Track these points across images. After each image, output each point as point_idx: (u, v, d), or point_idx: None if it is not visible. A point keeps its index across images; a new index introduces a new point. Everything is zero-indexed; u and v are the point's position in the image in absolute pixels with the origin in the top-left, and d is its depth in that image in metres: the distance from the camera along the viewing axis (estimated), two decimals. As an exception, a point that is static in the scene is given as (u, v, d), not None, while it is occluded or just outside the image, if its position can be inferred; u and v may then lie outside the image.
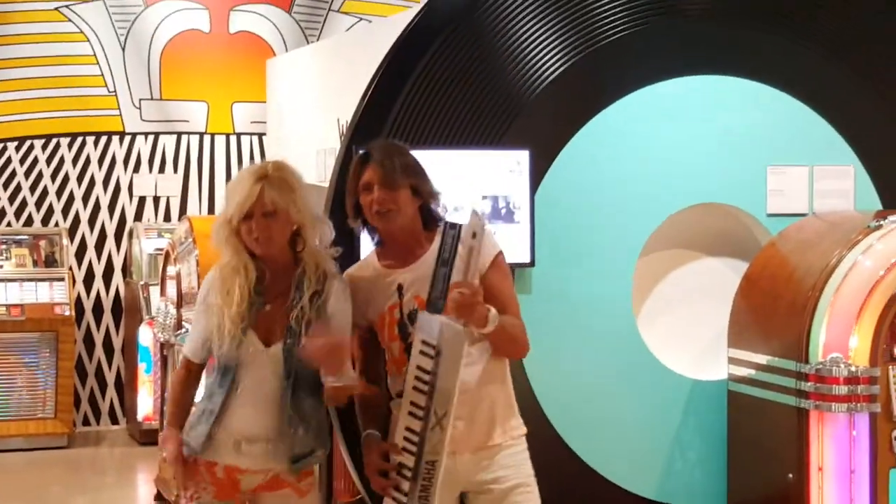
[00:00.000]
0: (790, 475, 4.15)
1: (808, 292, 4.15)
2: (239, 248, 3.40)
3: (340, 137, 6.75)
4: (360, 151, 3.53)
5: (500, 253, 3.46)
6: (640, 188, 4.54)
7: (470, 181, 4.26)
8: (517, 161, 4.32)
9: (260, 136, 9.57)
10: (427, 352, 3.26)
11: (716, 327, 4.63)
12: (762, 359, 4.31)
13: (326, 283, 3.40)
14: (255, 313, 3.37)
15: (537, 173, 4.37)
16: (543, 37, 4.42)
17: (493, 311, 3.26)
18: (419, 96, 4.31)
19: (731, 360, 4.49)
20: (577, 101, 4.47)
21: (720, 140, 4.64)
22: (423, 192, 3.44)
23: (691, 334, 4.73)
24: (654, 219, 4.58)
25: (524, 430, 3.51)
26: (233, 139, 9.68)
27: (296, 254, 3.44)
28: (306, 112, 7.92)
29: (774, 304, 4.32)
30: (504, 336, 3.35)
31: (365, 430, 3.49)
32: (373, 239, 3.55)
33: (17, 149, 9.24)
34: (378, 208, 3.39)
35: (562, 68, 4.43)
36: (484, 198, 4.28)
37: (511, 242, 4.24)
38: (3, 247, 8.94)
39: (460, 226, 3.33)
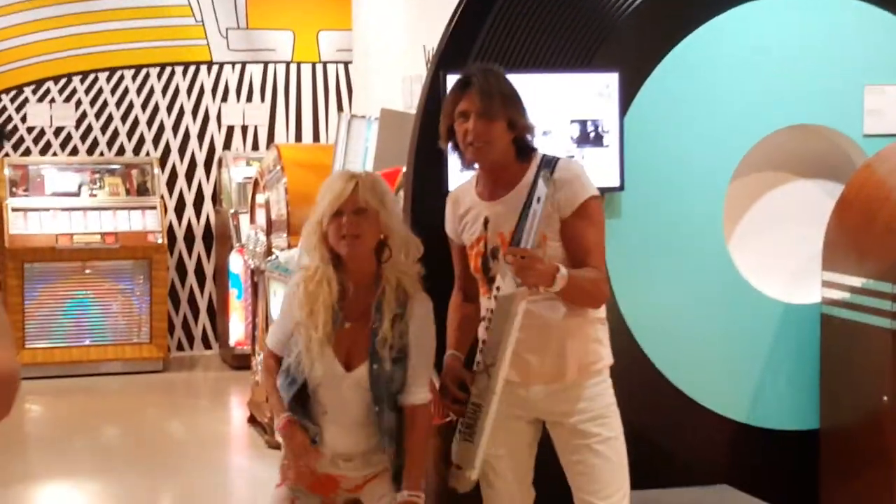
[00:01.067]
0: (885, 398, 4.11)
1: (905, 214, 4.08)
2: (325, 257, 3.40)
3: (426, 64, 6.72)
4: (460, 76, 3.48)
5: (592, 199, 3.37)
6: (733, 110, 4.47)
7: (558, 105, 4.23)
8: (606, 84, 4.27)
9: (346, 64, 9.58)
10: (495, 297, 3.31)
11: (808, 250, 4.58)
12: (857, 281, 4.25)
13: (408, 305, 3.40)
14: (335, 332, 3.38)
15: (627, 96, 4.31)
16: (633, -44, 4.35)
17: (563, 271, 3.22)
18: (506, 19, 4.27)
19: (825, 283, 4.44)
20: (668, 21, 4.40)
21: (816, 59, 4.54)
22: (519, 126, 3.39)
23: (784, 257, 4.68)
24: (747, 141, 4.51)
25: (605, 363, 3.47)
26: (319, 68, 9.70)
27: (380, 266, 3.42)
28: (392, 39, 7.90)
29: (870, 226, 4.25)
30: (574, 293, 3.30)
31: (449, 350, 3.53)
32: (462, 165, 3.54)
33: (108, 79, 9.36)
34: (472, 140, 3.35)
35: (651, -11, 4.36)
36: (572, 122, 4.25)
37: (600, 166, 4.22)
38: (97, 176, 9.09)
39: (555, 162, 3.34)
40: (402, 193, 4.45)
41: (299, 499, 3.48)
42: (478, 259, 3.44)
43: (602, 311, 3.47)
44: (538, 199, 3.23)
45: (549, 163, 3.37)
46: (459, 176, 4.08)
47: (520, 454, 3.50)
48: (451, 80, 4.06)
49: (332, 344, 3.37)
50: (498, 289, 3.29)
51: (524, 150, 3.43)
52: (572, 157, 4.04)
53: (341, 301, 3.39)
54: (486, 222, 3.42)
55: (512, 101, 3.39)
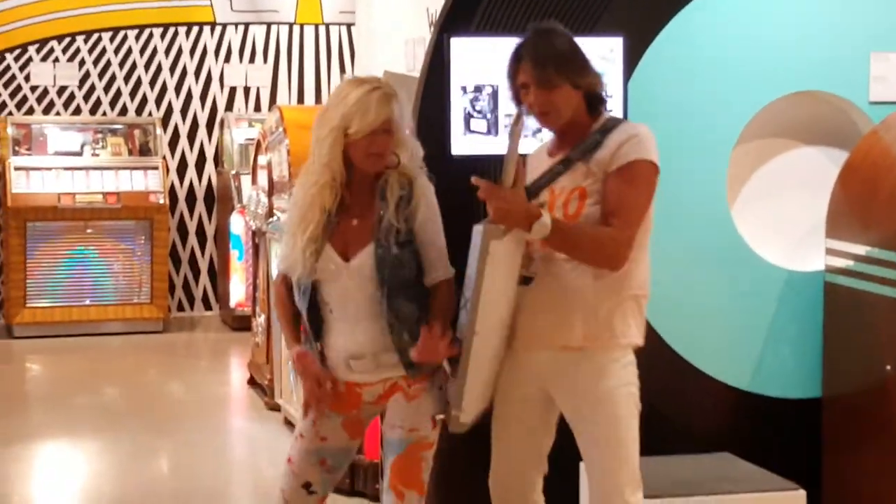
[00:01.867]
0: (888, 367, 4.10)
1: (911, 182, 4.05)
2: (336, 163, 3.33)
3: (430, 27, 6.68)
4: (515, 48, 3.37)
5: (640, 161, 3.22)
6: (737, 76, 4.43)
7: (563, 68, 4.19)
8: (610, 48, 4.22)
9: (349, 26, 9.52)
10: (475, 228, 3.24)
11: (812, 218, 4.55)
12: (861, 249, 4.23)
13: (413, 187, 3.35)
14: (332, 229, 3.34)
15: (631, 61, 4.27)
16: (640, -81, 4.31)
17: (545, 219, 3.11)
18: (511, -18, 4.24)
19: (829, 251, 4.42)
20: (673, -15, 4.36)
21: (821, 25, 4.50)
22: (584, 84, 3.32)
23: (787, 225, 4.66)
24: (752, 107, 4.48)
25: (624, 340, 3.29)
26: (321, 29, 9.65)
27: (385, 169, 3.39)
28: (395, 1, 7.85)
29: (875, 194, 4.23)
30: (563, 245, 3.20)
31: None
32: (536, 129, 3.51)
33: (112, 39, 9.32)
34: (538, 110, 3.31)
35: (658, -49, 4.32)
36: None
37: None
38: (99, 136, 9.07)
39: (615, 124, 3.28)
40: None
41: (321, 421, 3.41)
42: None
43: (639, 288, 3.34)
44: (510, 133, 3.16)
45: (612, 124, 3.30)
46: (463, 139, 4.06)
47: (534, 431, 3.41)
48: (455, 43, 4.05)
49: (329, 239, 3.33)
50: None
51: (594, 106, 3.35)
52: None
53: (340, 205, 3.36)
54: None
55: (568, 62, 3.30)
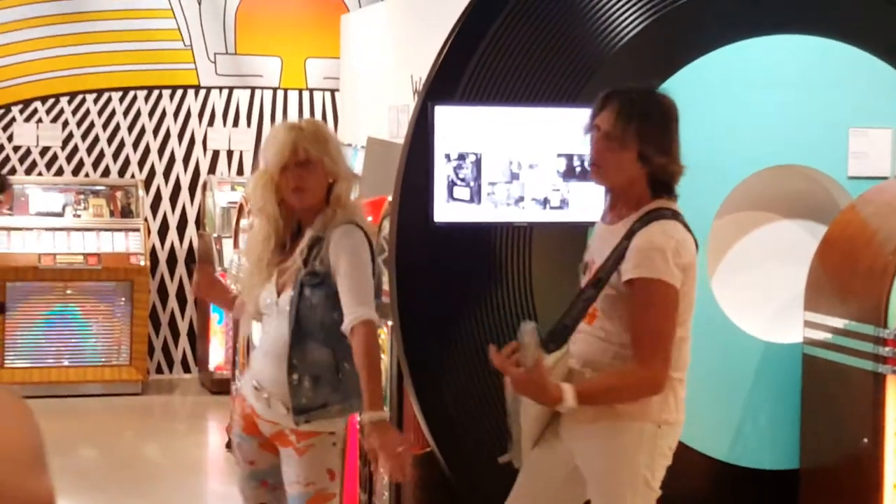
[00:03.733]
0: (865, 440, 4.11)
1: (889, 256, 4.10)
2: (269, 206, 3.37)
3: (414, 93, 6.74)
4: (607, 91, 3.23)
5: (651, 280, 3.02)
6: (718, 148, 4.49)
7: (545, 139, 4.24)
8: (594, 119, 4.27)
9: (333, 91, 9.59)
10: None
11: (791, 290, 4.59)
12: (839, 322, 4.27)
13: (328, 230, 3.35)
14: (277, 267, 3.40)
15: (614, 132, 4.32)
16: (623, -6, 4.37)
17: (567, 402, 2.94)
18: (495, 52, 4.29)
19: (807, 324, 4.45)
20: (654, 59, 4.42)
21: (800, 101, 4.57)
22: (653, 162, 3.11)
23: (766, 296, 4.69)
24: (732, 180, 4.53)
25: (631, 409, 3.10)
26: (306, 95, 9.71)
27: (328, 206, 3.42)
28: (379, 68, 7.92)
29: (853, 268, 4.27)
30: (596, 405, 3.05)
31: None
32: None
33: (96, 101, 9.35)
34: (592, 158, 3.19)
35: (640, 26, 4.39)
36: (559, 155, 4.26)
37: (586, 201, 4.23)
38: (81, 197, 9.07)
39: (645, 221, 3.12)
40: (386, 222, 4.46)
41: (242, 445, 3.50)
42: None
43: (674, 371, 3.17)
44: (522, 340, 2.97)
45: (643, 224, 3.10)
46: (446, 206, 4.10)
47: (554, 484, 3.29)
48: (439, 111, 4.09)
49: (273, 279, 3.39)
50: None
51: (659, 190, 3.16)
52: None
53: (284, 246, 3.41)
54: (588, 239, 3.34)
55: (649, 134, 3.11)
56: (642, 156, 3.10)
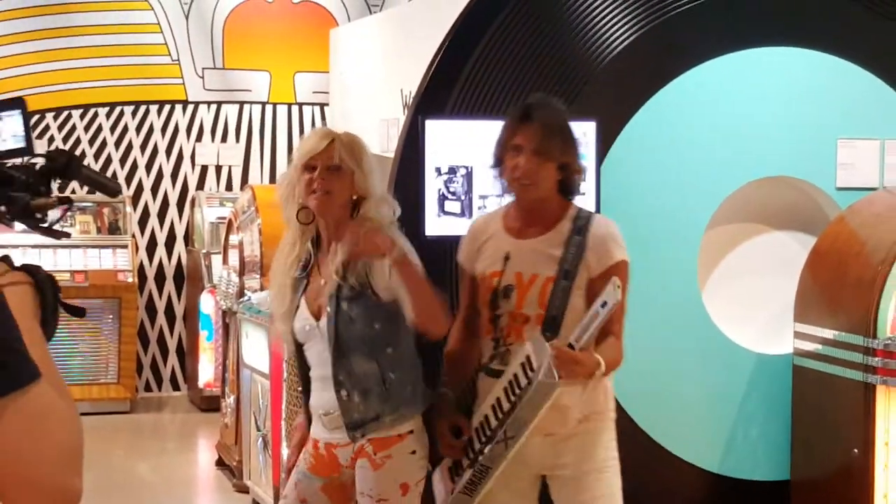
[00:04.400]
0: (855, 451, 4.12)
1: (878, 267, 4.11)
2: (292, 216, 3.33)
3: (403, 107, 6.75)
4: (525, 104, 3.39)
5: (622, 262, 3.31)
6: (708, 161, 4.50)
7: (536, 152, 4.24)
8: (583, 132, 4.26)
9: (322, 106, 9.59)
10: (526, 371, 3.19)
11: (781, 301, 4.60)
12: (829, 333, 4.28)
13: None
14: (306, 288, 3.35)
15: (603, 145, 4.34)
16: (612, 7, 4.39)
17: (602, 367, 3.15)
18: (485, 66, 4.30)
19: (797, 335, 4.46)
20: (645, 72, 4.44)
21: (790, 113, 4.59)
22: (571, 169, 3.33)
23: (757, 308, 4.70)
24: (722, 192, 4.54)
25: (609, 414, 3.39)
26: (294, 109, 9.71)
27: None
28: (369, 82, 7.92)
29: (843, 279, 4.28)
30: (610, 370, 3.27)
31: (443, 388, 3.43)
32: (501, 192, 3.48)
33: (82, 116, 9.34)
34: (520, 176, 3.27)
35: (630, 39, 4.40)
36: (549, 168, 4.26)
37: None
38: (68, 213, 9.04)
39: (588, 220, 3.32)
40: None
41: (302, 482, 3.40)
42: (487, 293, 3.36)
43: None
44: (603, 304, 3.10)
45: (585, 220, 3.31)
46: (437, 220, 4.10)
47: None
48: (430, 125, 4.09)
49: (306, 298, 3.33)
50: (530, 364, 3.17)
51: (568, 191, 3.36)
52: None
53: (319, 255, 3.34)
54: (506, 258, 3.34)
55: (570, 142, 3.32)
56: (561, 166, 3.30)
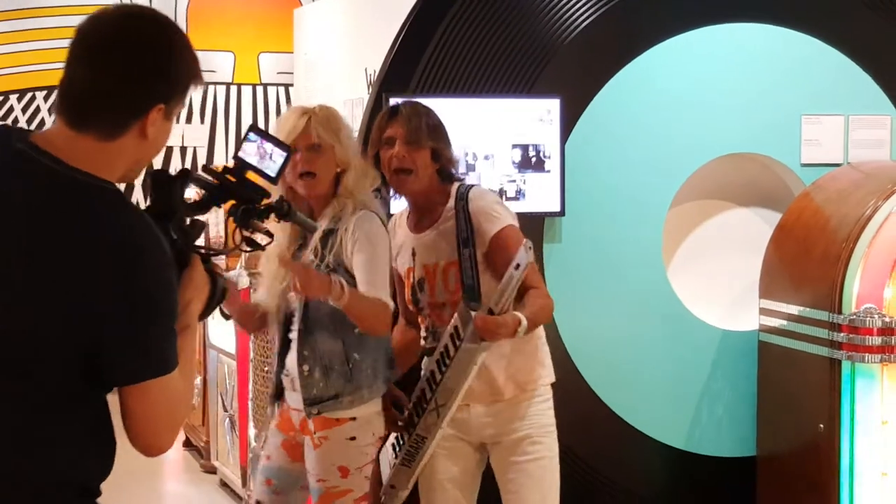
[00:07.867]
0: (821, 426, 4.14)
1: (843, 243, 4.12)
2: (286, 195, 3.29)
3: (368, 87, 6.72)
4: (390, 105, 3.51)
5: (502, 230, 3.37)
6: (672, 137, 4.50)
7: (500, 129, 4.24)
8: (548, 109, 4.28)
9: (286, 86, 9.54)
10: (454, 341, 3.29)
11: (746, 278, 4.61)
12: (794, 309, 4.29)
13: (342, 221, 3.27)
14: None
15: (568, 122, 4.33)
16: (576, -17, 4.37)
17: (524, 322, 3.20)
18: (449, 44, 4.28)
19: (763, 311, 4.47)
20: (609, 49, 4.42)
21: (754, 89, 4.59)
22: (443, 158, 3.41)
23: (722, 284, 4.71)
24: (686, 168, 4.54)
25: (546, 381, 3.48)
26: (259, 89, 9.65)
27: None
28: (333, 62, 7.88)
29: (808, 255, 4.29)
30: (533, 328, 3.32)
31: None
32: (389, 194, 3.56)
33: (46, 98, 9.25)
34: (397, 165, 3.36)
35: (594, 15, 4.39)
36: (514, 146, 4.26)
37: (541, 191, 4.23)
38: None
39: (467, 194, 3.38)
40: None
41: (267, 439, 3.47)
42: (408, 290, 3.48)
43: (541, 330, 3.47)
44: (517, 266, 3.17)
45: (465, 191, 3.40)
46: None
47: (466, 476, 3.51)
48: (394, 104, 4.07)
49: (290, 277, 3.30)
50: (458, 334, 3.26)
51: (447, 177, 3.44)
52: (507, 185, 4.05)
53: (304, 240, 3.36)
54: (413, 254, 3.45)
55: (437, 132, 3.42)
56: (434, 152, 3.39)
